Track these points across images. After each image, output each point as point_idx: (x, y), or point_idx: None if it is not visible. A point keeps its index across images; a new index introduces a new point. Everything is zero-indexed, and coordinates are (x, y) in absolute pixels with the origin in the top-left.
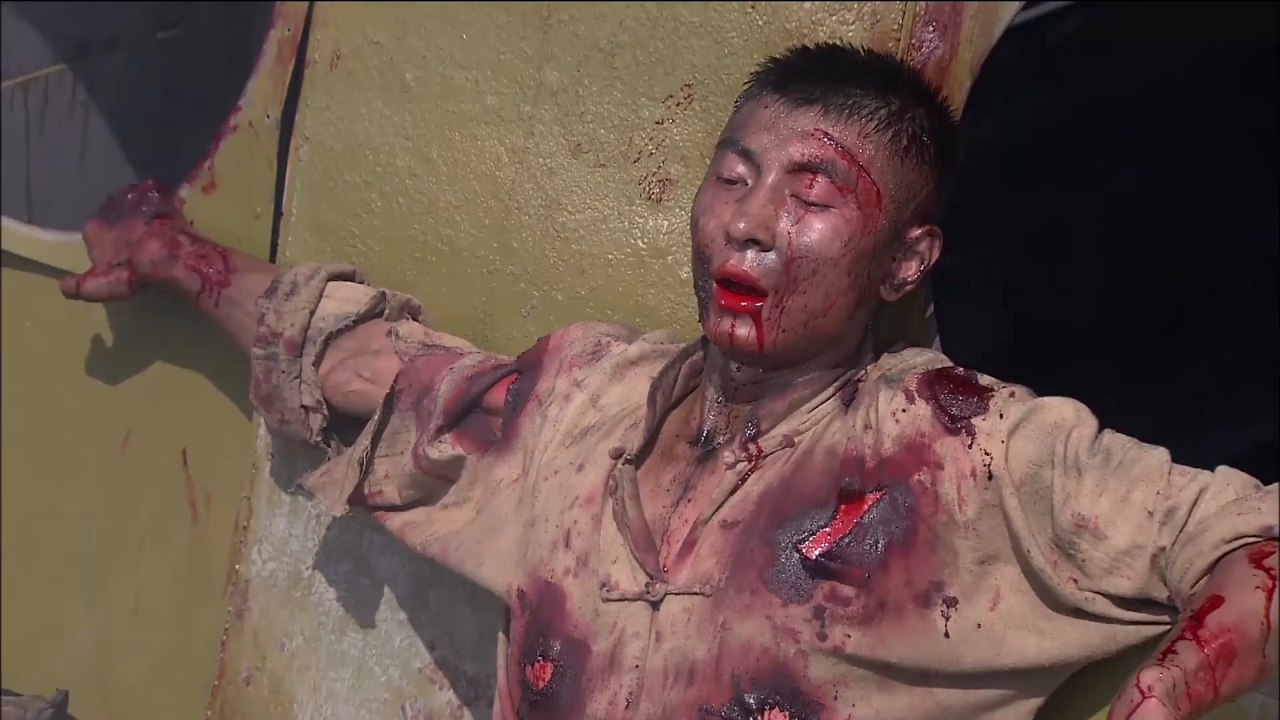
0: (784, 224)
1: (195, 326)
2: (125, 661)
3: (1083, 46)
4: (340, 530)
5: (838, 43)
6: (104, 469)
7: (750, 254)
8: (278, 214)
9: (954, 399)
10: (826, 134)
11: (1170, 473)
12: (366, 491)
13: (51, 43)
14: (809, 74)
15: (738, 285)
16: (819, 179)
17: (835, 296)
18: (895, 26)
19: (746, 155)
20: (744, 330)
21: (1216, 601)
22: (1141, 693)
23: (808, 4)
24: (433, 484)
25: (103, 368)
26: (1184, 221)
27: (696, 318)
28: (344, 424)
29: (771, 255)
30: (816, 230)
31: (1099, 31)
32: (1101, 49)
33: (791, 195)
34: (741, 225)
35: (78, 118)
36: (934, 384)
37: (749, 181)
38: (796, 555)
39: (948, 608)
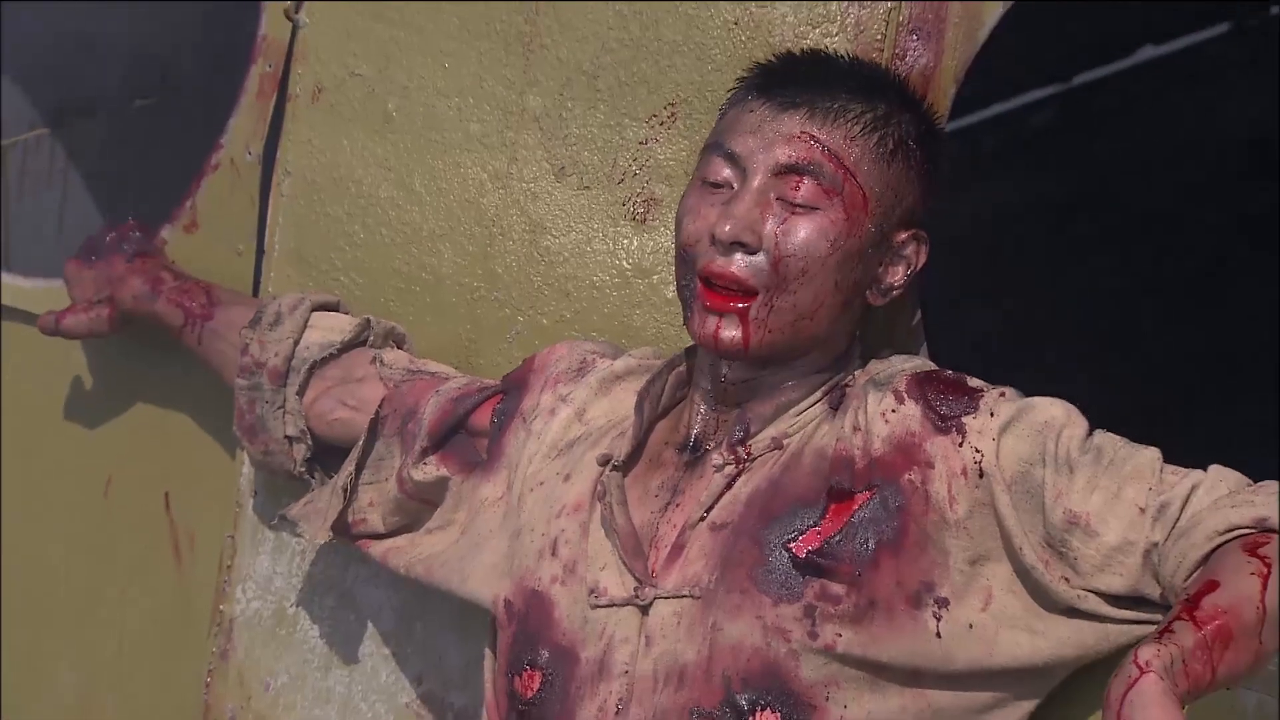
0: (770, 226)
1: (175, 368)
2: (109, 707)
3: (1060, 134)
4: (325, 565)
5: (822, 49)
6: (86, 515)
7: (737, 256)
8: (260, 251)
9: (944, 399)
10: (813, 136)
11: (1162, 470)
12: (350, 519)
13: (29, 108)
14: (795, 78)
15: (723, 285)
16: (805, 181)
17: (824, 297)
18: (879, 36)
19: (732, 158)
20: (729, 332)
21: (1212, 585)
22: (1139, 668)
23: (791, 18)
24: (417, 509)
25: (83, 414)
26: (1157, 307)
27: (681, 322)
28: (328, 455)
29: (760, 257)
30: (803, 232)
31: (1076, 120)
32: (1077, 138)
33: (777, 198)
34: (727, 228)
35: (56, 183)
36: (923, 384)
37: (734, 185)
38: (786, 554)
39: (939, 608)
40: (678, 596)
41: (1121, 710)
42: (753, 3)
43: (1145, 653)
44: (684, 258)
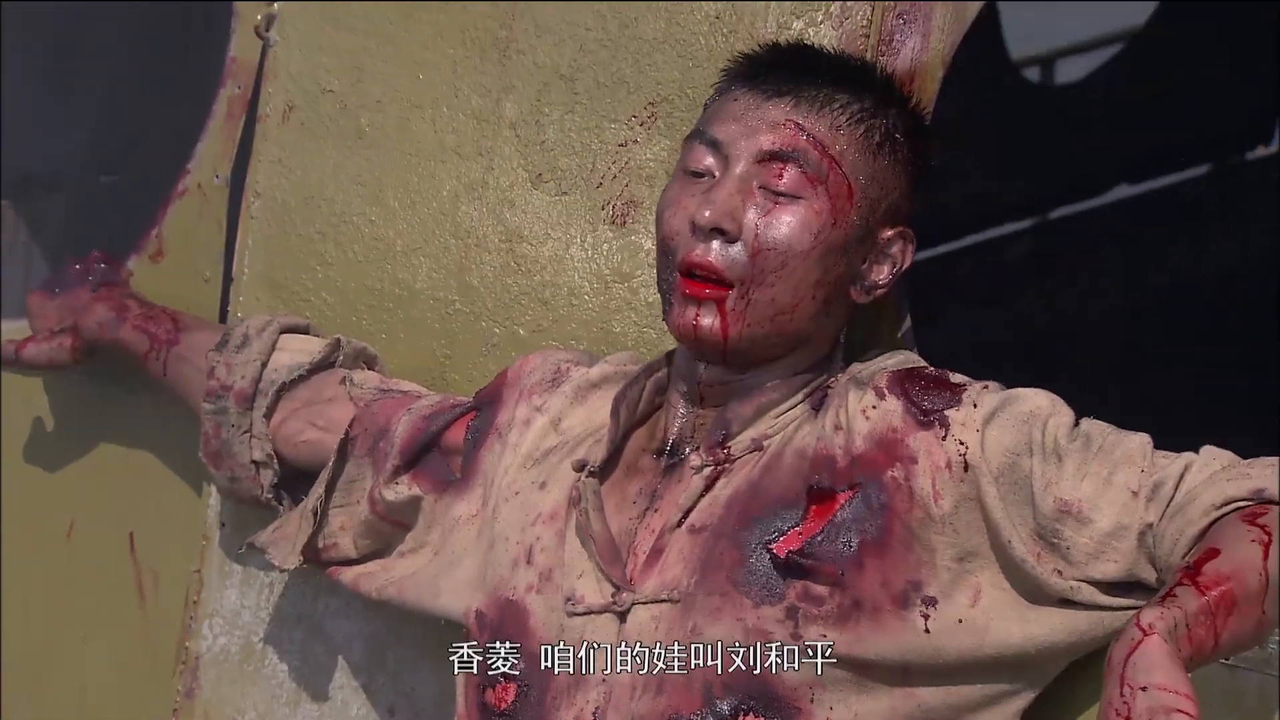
0: (751, 215)
1: (139, 407)
2: None
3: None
4: (294, 596)
5: (808, 41)
6: (48, 561)
7: (716, 244)
8: (227, 277)
9: (925, 393)
10: (798, 124)
11: (1153, 454)
12: (321, 545)
13: None
14: (780, 68)
15: (702, 275)
16: (789, 168)
17: (803, 292)
18: (865, 21)
19: (714, 145)
20: (708, 320)
21: (1213, 553)
22: (1142, 630)
23: (775, 5)
24: (389, 531)
25: (45, 456)
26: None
27: (661, 318)
28: (297, 482)
29: (737, 247)
30: (785, 223)
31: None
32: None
33: (760, 187)
34: (707, 214)
35: (19, 257)
36: (904, 380)
37: (716, 174)
38: (766, 555)
39: (927, 607)
40: (656, 601)
41: (1125, 673)
42: None
43: (1148, 615)
44: (665, 250)
